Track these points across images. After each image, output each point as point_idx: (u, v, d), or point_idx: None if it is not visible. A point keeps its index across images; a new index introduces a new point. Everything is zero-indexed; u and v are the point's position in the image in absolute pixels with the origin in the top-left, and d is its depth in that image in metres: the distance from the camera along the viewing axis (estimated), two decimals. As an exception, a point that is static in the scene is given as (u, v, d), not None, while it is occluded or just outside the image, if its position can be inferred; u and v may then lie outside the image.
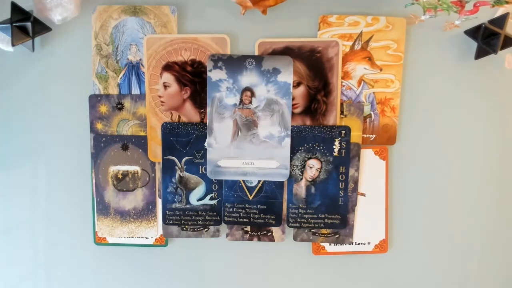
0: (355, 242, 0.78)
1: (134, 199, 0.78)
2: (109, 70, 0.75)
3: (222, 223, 0.78)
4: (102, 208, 0.78)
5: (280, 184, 0.76)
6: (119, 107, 0.76)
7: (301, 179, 0.76)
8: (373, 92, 0.75)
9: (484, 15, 0.71)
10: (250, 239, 0.78)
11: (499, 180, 0.79)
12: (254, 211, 0.77)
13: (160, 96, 0.75)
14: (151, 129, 0.76)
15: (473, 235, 0.80)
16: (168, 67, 0.74)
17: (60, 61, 0.76)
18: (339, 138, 0.75)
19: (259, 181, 0.76)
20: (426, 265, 0.81)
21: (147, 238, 0.79)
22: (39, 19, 0.72)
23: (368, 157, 0.77)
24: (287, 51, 0.73)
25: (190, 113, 0.75)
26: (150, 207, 0.78)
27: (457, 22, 0.72)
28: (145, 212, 0.78)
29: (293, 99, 0.74)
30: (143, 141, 0.76)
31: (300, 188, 0.76)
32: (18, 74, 0.77)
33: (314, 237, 0.78)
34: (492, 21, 0.72)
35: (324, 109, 0.75)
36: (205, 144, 0.75)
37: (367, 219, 0.78)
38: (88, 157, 0.77)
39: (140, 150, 0.76)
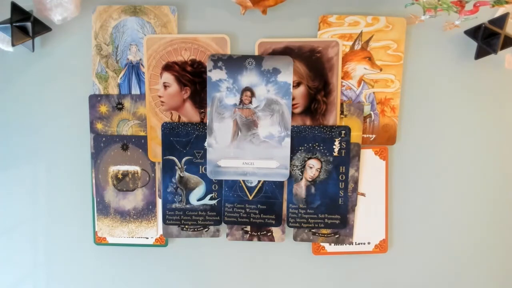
0: (355, 242, 0.78)
1: (134, 199, 0.78)
2: (109, 70, 0.75)
3: (222, 223, 0.78)
4: (102, 208, 0.78)
5: (280, 184, 0.76)
6: (119, 107, 0.76)
7: (301, 179, 0.76)
8: (373, 92, 0.75)
9: (484, 15, 0.71)
10: (250, 239, 0.78)
11: (499, 180, 0.79)
12: (254, 211, 0.77)
13: (160, 96, 0.75)
14: (151, 129, 0.76)
15: (473, 235, 0.80)
16: (168, 67, 0.74)
17: (60, 61, 0.76)
18: (339, 138, 0.75)
19: (259, 181, 0.76)
20: (426, 265, 0.81)
21: (147, 238, 0.79)
22: (39, 19, 0.72)
23: (368, 157, 0.77)
24: (287, 51, 0.73)
25: (190, 113, 0.75)
26: (150, 207, 0.78)
27: (457, 22, 0.72)
28: (145, 212, 0.78)
29: (293, 99, 0.74)
30: (143, 141, 0.76)
31: (300, 188, 0.76)
32: (18, 74, 0.77)
33: (314, 237, 0.78)
34: (492, 21, 0.72)
35: (324, 109, 0.75)
36: (205, 144, 0.75)
37: (367, 219, 0.78)
38: (88, 157, 0.77)
39: (140, 150, 0.76)
